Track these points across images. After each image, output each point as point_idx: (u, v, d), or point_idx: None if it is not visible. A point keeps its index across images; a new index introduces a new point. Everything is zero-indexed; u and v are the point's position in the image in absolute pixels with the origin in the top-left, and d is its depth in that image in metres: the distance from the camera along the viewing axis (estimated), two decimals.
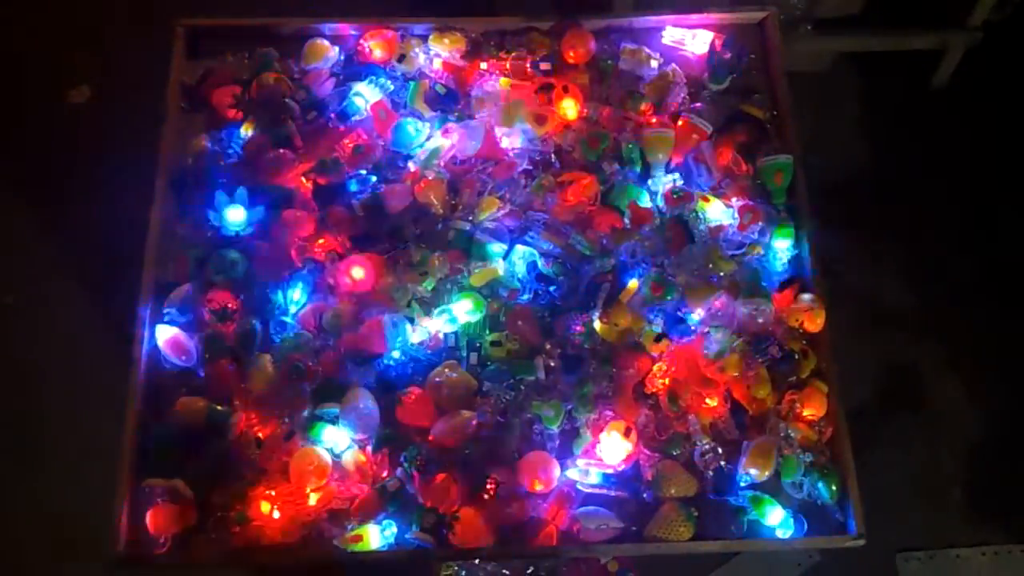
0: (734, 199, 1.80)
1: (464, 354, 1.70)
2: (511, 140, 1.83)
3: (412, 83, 1.89)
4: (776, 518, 1.59)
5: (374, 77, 1.89)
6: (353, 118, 1.85)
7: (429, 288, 1.71)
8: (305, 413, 1.63)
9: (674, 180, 1.82)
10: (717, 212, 1.78)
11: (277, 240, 1.75)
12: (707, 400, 1.66)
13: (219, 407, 1.63)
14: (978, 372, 2.68)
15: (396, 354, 1.67)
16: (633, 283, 1.70)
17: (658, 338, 1.66)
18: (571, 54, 1.92)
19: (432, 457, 1.60)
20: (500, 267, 1.72)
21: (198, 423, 1.62)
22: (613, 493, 1.62)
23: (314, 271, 1.73)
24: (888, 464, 2.50)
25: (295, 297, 1.70)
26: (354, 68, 1.92)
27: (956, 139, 2.94)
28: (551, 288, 1.73)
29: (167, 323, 1.69)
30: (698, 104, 1.90)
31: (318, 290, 1.73)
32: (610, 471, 1.62)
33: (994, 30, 2.82)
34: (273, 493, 1.58)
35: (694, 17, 1.97)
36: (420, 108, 1.87)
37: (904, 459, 2.57)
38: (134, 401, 1.64)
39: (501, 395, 1.64)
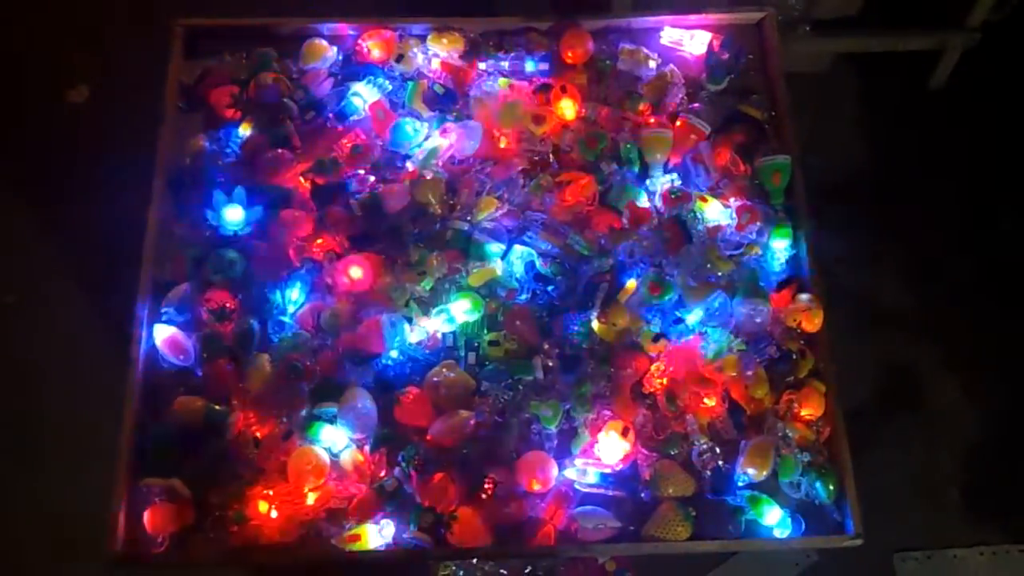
0: (732, 199, 1.80)
1: (462, 354, 1.69)
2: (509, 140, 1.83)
3: (410, 83, 1.89)
4: (774, 518, 1.60)
5: (372, 77, 1.89)
6: (351, 118, 1.86)
7: (427, 288, 1.71)
8: (303, 413, 1.63)
9: (672, 180, 1.82)
10: (715, 212, 1.78)
11: (275, 240, 1.75)
12: (705, 400, 1.66)
13: (217, 407, 1.63)
14: (976, 372, 2.68)
15: (394, 354, 1.67)
16: (631, 283, 1.70)
17: (656, 338, 1.66)
18: (569, 54, 1.92)
19: (430, 457, 1.60)
20: (498, 267, 1.72)
21: (196, 423, 1.62)
22: (611, 493, 1.62)
23: (312, 271, 1.73)
24: (886, 464, 2.50)
25: (293, 297, 1.71)
26: (352, 68, 1.92)
27: (954, 139, 2.94)
28: (549, 288, 1.73)
29: (165, 322, 1.69)
30: (696, 104, 1.90)
31: (316, 290, 1.73)
32: (608, 471, 1.62)
33: (992, 31, 2.82)
34: (271, 492, 1.58)
35: (692, 18, 1.97)
36: (418, 108, 1.87)
37: (902, 459, 2.57)
38: (132, 401, 1.64)
39: (499, 395, 1.65)
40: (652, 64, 1.91)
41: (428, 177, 1.78)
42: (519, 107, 1.83)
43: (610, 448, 1.60)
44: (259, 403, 1.64)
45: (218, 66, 1.92)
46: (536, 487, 1.59)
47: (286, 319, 1.70)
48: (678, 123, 1.85)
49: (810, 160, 1.88)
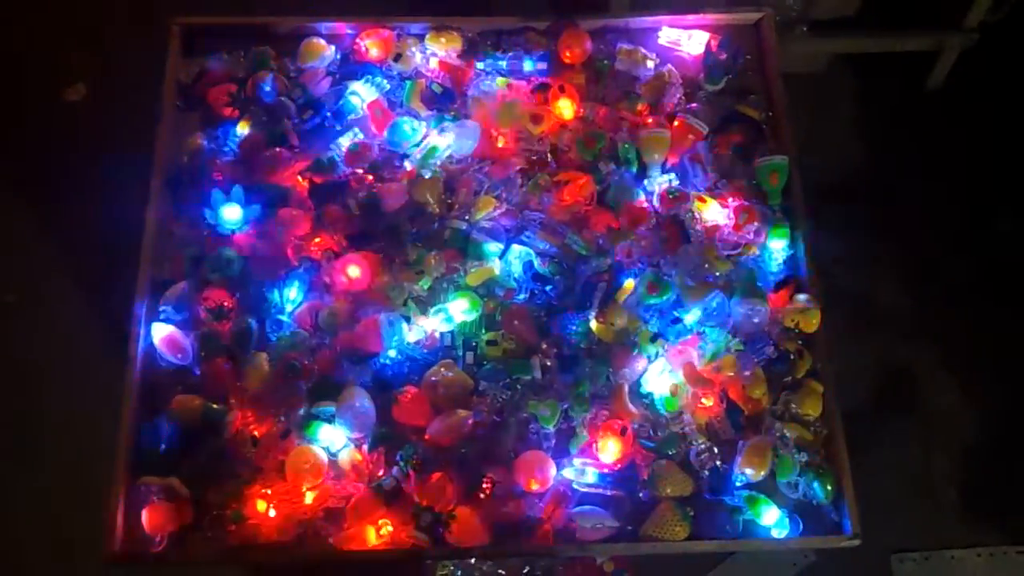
0: (730, 199, 1.80)
1: (460, 353, 1.69)
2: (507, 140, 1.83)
3: (408, 82, 1.89)
4: (771, 518, 1.60)
5: (370, 76, 1.89)
6: (349, 117, 1.86)
7: (425, 287, 1.71)
8: (301, 412, 1.63)
9: (670, 180, 1.82)
10: (713, 212, 1.78)
11: (273, 239, 1.75)
12: (703, 400, 1.66)
13: (215, 405, 1.63)
14: (974, 373, 2.68)
15: (392, 353, 1.67)
16: (629, 283, 1.70)
17: (654, 338, 1.66)
18: (567, 54, 1.92)
19: (428, 456, 1.60)
20: (496, 266, 1.72)
21: (194, 421, 1.62)
22: (609, 492, 1.62)
23: (310, 270, 1.73)
24: (883, 464, 2.50)
25: (291, 296, 1.70)
26: (350, 67, 1.92)
27: (952, 140, 2.94)
28: (547, 288, 1.73)
29: (163, 321, 1.69)
30: (694, 104, 1.90)
31: (314, 289, 1.73)
32: (606, 470, 1.62)
33: (990, 31, 2.83)
34: (269, 491, 1.58)
35: (690, 18, 1.97)
36: (416, 107, 1.87)
37: (900, 459, 2.57)
38: (130, 399, 1.64)
39: (497, 394, 1.65)
40: (650, 64, 1.92)
41: (426, 176, 1.78)
42: (517, 107, 1.83)
43: (608, 448, 1.60)
44: (257, 402, 1.64)
45: (216, 64, 1.91)
46: (534, 487, 1.59)
47: (284, 318, 1.70)
48: (676, 123, 1.85)
49: (808, 160, 1.88)
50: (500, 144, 1.84)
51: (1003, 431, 2.63)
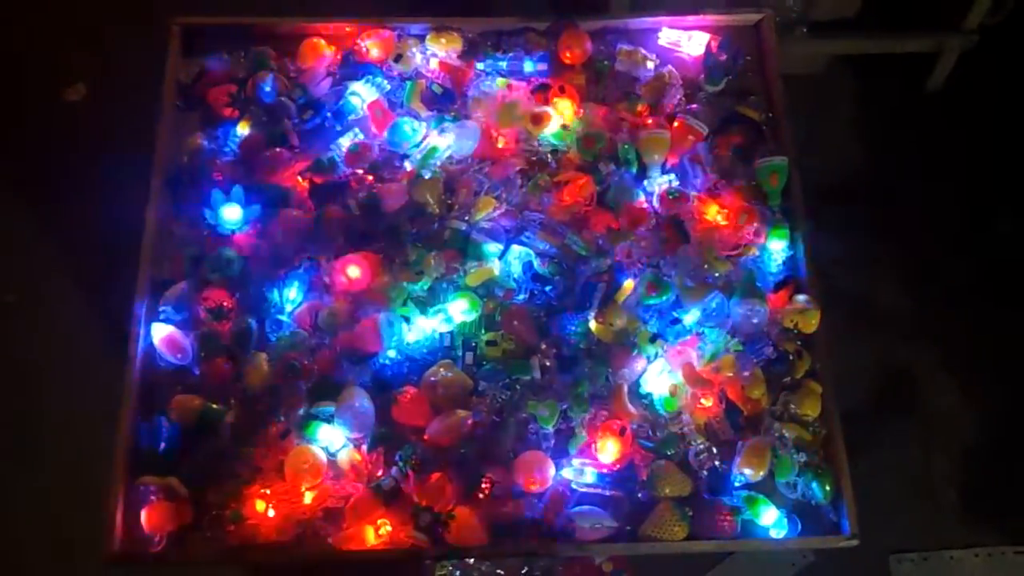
0: (729, 200, 1.80)
1: (460, 353, 1.69)
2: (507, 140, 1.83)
3: (409, 83, 1.89)
4: (770, 518, 1.60)
5: (371, 76, 1.89)
6: (349, 117, 1.86)
7: (425, 288, 1.71)
8: (300, 412, 1.63)
9: (670, 181, 1.82)
10: (712, 213, 1.78)
11: (273, 238, 1.75)
12: (702, 400, 1.66)
13: (215, 405, 1.63)
14: (974, 374, 2.68)
15: (392, 353, 1.67)
16: (629, 283, 1.70)
17: (653, 338, 1.66)
18: (567, 55, 1.92)
19: (427, 456, 1.60)
20: (496, 267, 1.72)
21: (193, 421, 1.62)
22: (608, 493, 1.62)
23: (310, 270, 1.73)
24: (882, 465, 2.50)
25: (291, 296, 1.70)
26: (351, 67, 1.92)
27: (951, 142, 2.94)
28: (547, 288, 1.73)
29: (163, 321, 1.69)
30: (694, 105, 1.90)
31: (314, 289, 1.73)
32: (605, 470, 1.62)
33: (989, 33, 2.83)
34: (268, 491, 1.58)
35: (690, 19, 1.97)
36: (417, 108, 1.87)
37: (899, 460, 2.57)
38: (129, 399, 1.64)
39: (497, 395, 1.65)
40: (650, 65, 1.92)
41: (426, 177, 1.78)
42: (517, 107, 1.83)
43: (607, 448, 1.61)
44: (257, 402, 1.64)
45: (216, 65, 1.91)
46: (533, 487, 1.59)
47: (284, 318, 1.70)
48: (676, 124, 1.85)
49: (807, 161, 1.89)
50: (500, 145, 1.85)
51: (1003, 432, 2.63)
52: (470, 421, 1.62)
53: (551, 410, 1.62)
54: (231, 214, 1.74)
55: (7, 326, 2.69)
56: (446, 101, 1.86)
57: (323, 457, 1.60)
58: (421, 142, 1.82)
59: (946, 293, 2.76)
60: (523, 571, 2.19)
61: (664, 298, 1.69)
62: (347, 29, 1.94)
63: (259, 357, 1.66)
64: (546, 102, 1.84)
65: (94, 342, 2.56)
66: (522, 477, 1.59)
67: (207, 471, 1.60)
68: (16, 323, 2.69)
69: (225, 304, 1.69)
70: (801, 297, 1.72)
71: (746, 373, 1.65)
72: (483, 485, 1.59)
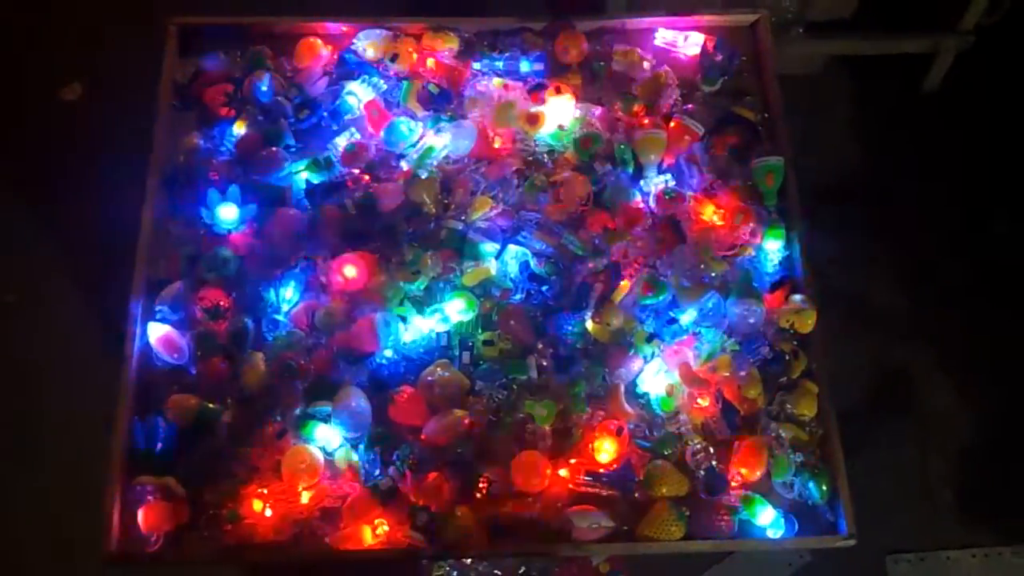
0: (726, 200, 1.80)
1: (456, 353, 1.69)
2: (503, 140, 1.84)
3: (405, 82, 1.89)
4: (767, 518, 1.60)
5: (367, 76, 1.89)
6: (346, 117, 1.86)
7: (421, 287, 1.71)
8: (297, 411, 1.63)
9: (666, 181, 1.82)
10: (709, 213, 1.78)
11: (270, 238, 1.75)
12: (699, 400, 1.66)
13: (211, 405, 1.63)
14: (970, 374, 2.68)
15: (388, 353, 1.67)
16: (625, 283, 1.70)
17: (650, 338, 1.66)
18: (564, 55, 1.92)
19: (424, 456, 1.60)
20: (492, 267, 1.72)
21: (190, 421, 1.62)
22: (605, 492, 1.62)
23: (306, 269, 1.73)
24: (879, 465, 2.51)
25: (287, 295, 1.70)
26: (347, 67, 1.92)
27: (947, 142, 2.95)
28: (543, 288, 1.73)
29: (159, 321, 1.69)
30: (690, 106, 1.91)
31: (310, 288, 1.73)
32: (602, 470, 1.62)
33: (985, 34, 2.84)
34: (265, 491, 1.58)
35: (686, 19, 1.98)
36: (413, 107, 1.87)
37: (895, 460, 2.58)
38: (125, 399, 1.64)
39: (493, 394, 1.65)
40: (646, 65, 1.92)
41: (423, 176, 1.78)
42: (514, 107, 1.83)
43: (604, 447, 1.60)
44: (254, 402, 1.64)
45: (213, 64, 1.91)
46: (530, 487, 1.59)
47: (280, 318, 1.70)
48: (672, 124, 1.85)
49: (803, 162, 1.89)
50: (496, 144, 1.85)
51: (999, 433, 2.63)
52: (467, 421, 1.62)
53: (548, 410, 1.62)
54: (227, 213, 1.74)
55: (7, 326, 2.69)
56: (442, 101, 1.86)
57: (320, 457, 1.60)
58: (417, 142, 1.82)
59: (942, 293, 2.77)
60: (520, 571, 2.19)
61: (660, 298, 1.69)
62: (344, 29, 1.94)
63: (256, 357, 1.66)
64: (542, 102, 1.84)
65: (93, 342, 2.56)
66: (519, 477, 1.59)
67: (204, 471, 1.60)
68: (16, 323, 2.69)
69: (221, 303, 1.69)
70: (797, 297, 1.72)
71: (742, 373, 1.65)
72: (480, 485, 1.59)
